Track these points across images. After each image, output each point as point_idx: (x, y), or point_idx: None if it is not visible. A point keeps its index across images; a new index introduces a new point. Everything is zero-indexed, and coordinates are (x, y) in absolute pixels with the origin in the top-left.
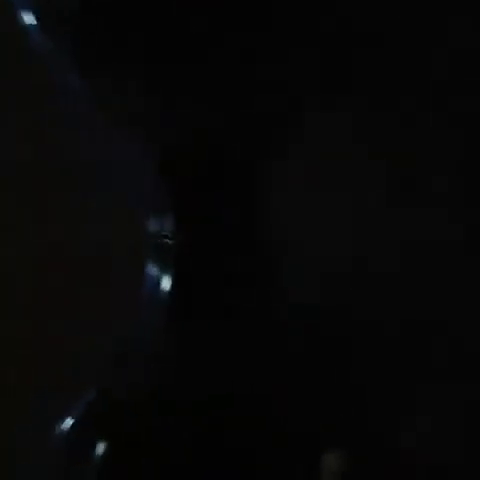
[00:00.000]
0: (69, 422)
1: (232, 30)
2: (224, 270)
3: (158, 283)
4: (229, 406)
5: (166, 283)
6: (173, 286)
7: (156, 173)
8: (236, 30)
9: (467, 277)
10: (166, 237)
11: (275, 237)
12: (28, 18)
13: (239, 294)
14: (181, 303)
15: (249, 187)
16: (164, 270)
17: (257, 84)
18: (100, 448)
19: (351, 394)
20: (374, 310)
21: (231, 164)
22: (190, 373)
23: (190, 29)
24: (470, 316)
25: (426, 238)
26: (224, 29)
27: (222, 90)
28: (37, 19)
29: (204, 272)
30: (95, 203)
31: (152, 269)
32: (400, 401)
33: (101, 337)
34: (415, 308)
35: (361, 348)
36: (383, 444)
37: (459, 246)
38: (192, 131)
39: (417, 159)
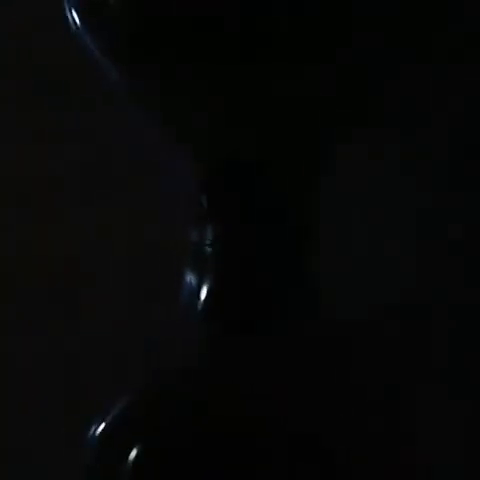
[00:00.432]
0: (102, 425)
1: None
2: (261, 283)
3: (196, 292)
4: (261, 424)
5: (204, 291)
6: (210, 295)
7: (198, 180)
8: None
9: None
10: (206, 245)
11: (316, 252)
12: (76, 18)
13: (274, 307)
14: (217, 314)
15: (292, 200)
16: (202, 278)
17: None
18: (133, 452)
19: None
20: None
21: (275, 175)
22: (224, 386)
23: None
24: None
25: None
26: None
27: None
28: (84, 19)
29: (242, 282)
30: (140, 206)
31: (190, 277)
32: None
33: (136, 341)
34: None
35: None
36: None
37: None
38: (238, 142)
39: None
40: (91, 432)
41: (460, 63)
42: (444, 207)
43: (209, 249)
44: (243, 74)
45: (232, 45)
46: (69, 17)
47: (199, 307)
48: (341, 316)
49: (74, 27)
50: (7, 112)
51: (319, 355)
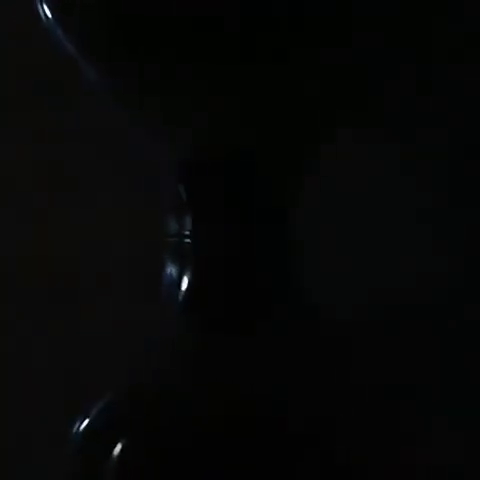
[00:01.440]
0: (86, 423)
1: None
2: (244, 274)
3: (176, 284)
4: (245, 419)
5: (184, 284)
6: (191, 287)
7: (174, 172)
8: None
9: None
10: (185, 237)
11: (300, 249)
12: (48, 12)
13: (258, 307)
14: (198, 307)
15: (272, 188)
16: (182, 270)
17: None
18: (117, 449)
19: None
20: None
21: (253, 163)
22: (205, 384)
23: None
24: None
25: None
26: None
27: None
28: (58, 14)
29: (223, 274)
30: (113, 203)
31: (170, 269)
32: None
33: (118, 337)
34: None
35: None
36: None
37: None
38: (209, 130)
39: None
40: (75, 429)
41: (460, 63)
42: (444, 207)
43: (188, 241)
44: (237, 72)
45: (229, 43)
46: (40, 9)
47: (179, 301)
48: (327, 314)
49: (45, 20)
50: (7, 112)
51: (305, 353)
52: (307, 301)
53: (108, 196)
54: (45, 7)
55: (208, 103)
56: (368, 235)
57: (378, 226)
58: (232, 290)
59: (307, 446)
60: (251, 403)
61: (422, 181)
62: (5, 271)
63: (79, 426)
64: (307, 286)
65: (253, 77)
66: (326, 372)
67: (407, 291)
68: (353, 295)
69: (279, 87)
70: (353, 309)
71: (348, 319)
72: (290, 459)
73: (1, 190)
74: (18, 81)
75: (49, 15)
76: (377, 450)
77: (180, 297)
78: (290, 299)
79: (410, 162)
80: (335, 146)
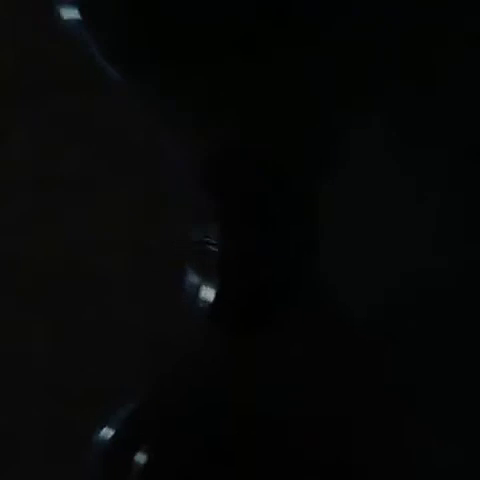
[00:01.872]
0: (108, 431)
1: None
2: (270, 280)
3: (199, 292)
4: (272, 426)
5: (207, 293)
6: (215, 294)
7: (201, 177)
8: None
9: None
10: (209, 243)
11: (325, 248)
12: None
13: (284, 308)
14: (223, 315)
15: (300, 194)
16: (206, 278)
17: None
18: (140, 458)
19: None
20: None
21: (281, 168)
22: (229, 389)
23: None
24: None
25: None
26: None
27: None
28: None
29: (249, 282)
30: (133, 207)
31: (193, 276)
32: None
33: (140, 344)
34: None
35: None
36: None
37: None
38: (240, 134)
39: None
40: (97, 437)
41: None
42: (451, 205)
43: (212, 248)
44: (246, 65)
45: (230, 32)
46: (57, 9)
47: (201, 307)
48: (349, 315)
49: (62, 20)
50: (7, 112)
51: (326, 356)
52: (333, 305)
53: (127, 199)
54: (62, 6)
55: (234, 105)
56: (384, 233)
57: (395, 225)
58: (257, 296)
59: (326, 446)
60: (276, 405)
61: (428, 177)
62: (5, 271)
63: (100, 434)
64: (333, 289)
65: (277, 75)
66: (349, 373)
67: (424, 289)
68: (373, 294)
69: (301, 86)
70: (374, 309)
71: (357, 318)
72: (309, 460)
73: (1, 190)
74: (18, 81)
75: (66, 15)
76: (395, 450)
77: (203, 304)
78: (316, 304)
79: (418, 157)
80: (351, 145)
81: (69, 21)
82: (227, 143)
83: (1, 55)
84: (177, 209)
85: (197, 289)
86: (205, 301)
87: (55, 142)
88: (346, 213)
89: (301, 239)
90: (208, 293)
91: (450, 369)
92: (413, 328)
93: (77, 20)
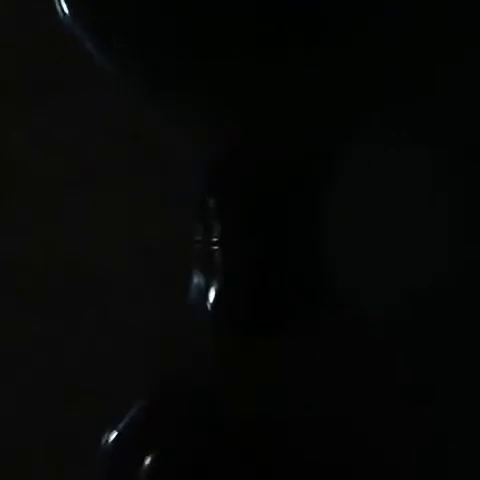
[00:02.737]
0: (114, 435)
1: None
2: (274, 281)
3: (205, 290)
4: (276, 428)
5: (212, 290)
6: (219, 293)
7: (202, 177)
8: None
9: None
10: (213, 244)
11: (332, 249)
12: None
13: (288, 309)
14: (227, 315)
15: (305, 192)
16: (211, 276)
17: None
18: (146, 462)
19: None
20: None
21: (285, 167)
22: (237, 390)
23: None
24: None
25: None
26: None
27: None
28: (76, 9)
29: (253, 282)
30: (138, 206)
31: (198, 277)
32: None
33: (146, 347)
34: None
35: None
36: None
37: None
38: (240, 132)
39: None
40: (104, 439)
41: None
42: (464, 199)
43: (216, 248)
44: (255, 65)
45: (231, 32)
46: (57, 5)
47: (208, 307)
48: (358, 315)
49: (62, 14)
50: (7, 112)
51: (333, 356)
52: (339, 303)
53: (133, 198)
54: (62, 2)
55: (239, 104)
56: (398, 234)
57: (409, 225)
58: (262, 294)
59: (342, 445)
60: (284, 404)
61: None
62: (5, 271)
63: (102, 435)
64: (338, 287)
65: (285, 76)
66: (360, 372)
67: (441, 289)
68: (386, 294)
69: (312, 87)
70: (385, 309)
71: (382, 319)
72: (322, 457)
73: (1, 190)
74: (17, 80)
75: (66, 11)
76: (398, 448)
77: (209, 303)
78: (320, 301)
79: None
80: (363, 146)
81: (69, 17)
82: (229, 142)
83: (1, 55)
84: (178, 209)
85: (200, 289)
86: (208, 301)
87: (55, 142)
88: (358, 214)
89: (305, 240)
90: (211, 293)
91: (465, 370)
92: (427, 328)
93: (77, 16)
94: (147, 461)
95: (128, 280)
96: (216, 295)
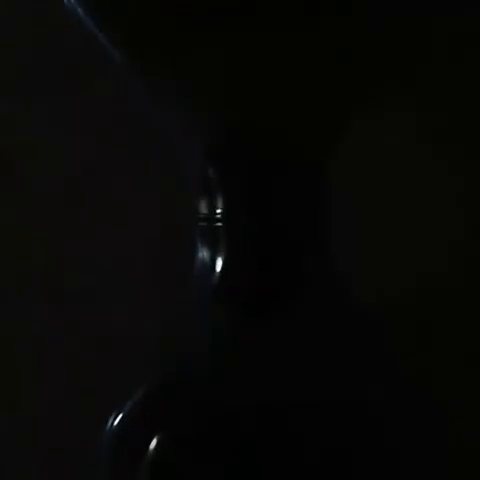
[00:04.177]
0: (119, 418)
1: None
2: (278, 258)
3: (209, 268)
4: (277, 411)
5: (217, 268)
6: (223, 271)
7: (205, 155)
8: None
9: None
10: (216, 220)
11: (335, 230)
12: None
13: (288, 292)
14: (231, 291)
15: (307, 171)
16: (214, 254)
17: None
18: (151, 445)
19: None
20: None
21: (286, 143)
22: (239, 373)
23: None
24: None
25: None
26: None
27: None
28: None
29: (256, 258)
30: (141, 187)
31: (202, 253)
32: None
33: (150, 328)
34: None
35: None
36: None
37: None
38: (240, 111)
39: None
40: (108, 425)
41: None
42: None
43: (220, 225)
44: (258, 40)
45: (229, 14)
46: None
47: (212, 288)
48: (362, 299)
49: (66, 2)
50: (7, 111)
51: (337, 340)
52: (341, 285)
53: (136, 180)
54: None
55: (239, 83)
56: (406, 219)
57: (418, 211)
58: (266, 274)
59: (344, 431)
60: (287, 389)
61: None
62: (5, 271)
63: (112, 422)
64: (342, 270)
65: (287, 54)
66: (360, 357)
67: (443, 276)
68: (391, 281)
69: (313, 64)
70: (375, 293)
71: (369, 303)
72: (326, 444)
73: (1, 190)
74: (35, 81)
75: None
76: (419, 438)
77: (213, 281)
78: (324, 283)
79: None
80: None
81: (71, 5)
82: (229, 125)
83: (1, 55)
84: (178, 201)
85: (206, 265)
86: (211, 279)
87: (55, 142)
88: (359, 199)
89: (309, 216)
90: (217, 269)
91: (462, 360)
92: (427, 315)
93: (79, 4)
94: (151, 446)
95: (128, 280)
96: (220, 274)
